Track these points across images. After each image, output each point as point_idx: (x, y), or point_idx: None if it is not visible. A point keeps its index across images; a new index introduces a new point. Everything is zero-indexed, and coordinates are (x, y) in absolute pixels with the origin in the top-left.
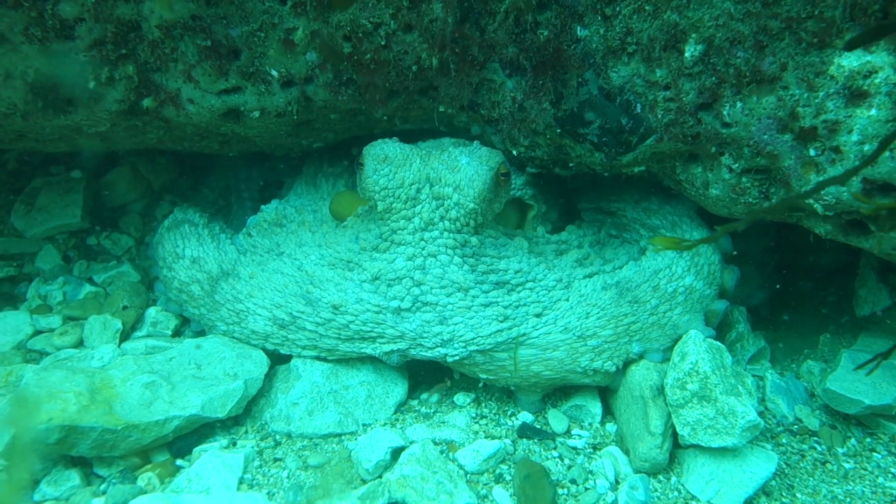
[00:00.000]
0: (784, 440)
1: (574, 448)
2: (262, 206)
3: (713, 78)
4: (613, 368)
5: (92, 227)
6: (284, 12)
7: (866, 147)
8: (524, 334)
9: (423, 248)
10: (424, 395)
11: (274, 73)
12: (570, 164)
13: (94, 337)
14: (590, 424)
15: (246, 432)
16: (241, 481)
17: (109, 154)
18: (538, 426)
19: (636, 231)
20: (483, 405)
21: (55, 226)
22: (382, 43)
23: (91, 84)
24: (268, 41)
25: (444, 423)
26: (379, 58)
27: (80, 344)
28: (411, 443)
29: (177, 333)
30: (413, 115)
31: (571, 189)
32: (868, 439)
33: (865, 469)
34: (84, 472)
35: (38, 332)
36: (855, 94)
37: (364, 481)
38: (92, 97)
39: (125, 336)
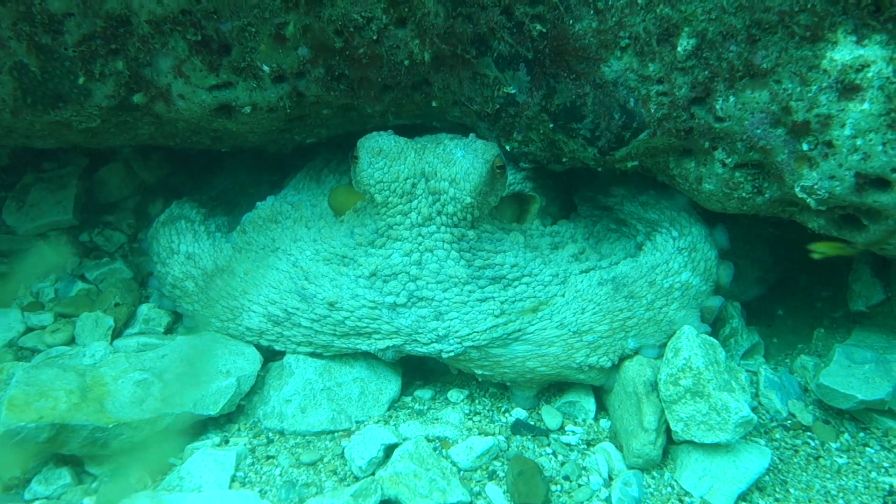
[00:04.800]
0: (777, 435)
1: (568, 444)
2: (258, 203)
3: (706, 72)
4: (609, 364)
5: (84, 224)
6: (275, 6)
7: (859, 141)
8: (520, 330)
9: (420, 244)
10: (418, 392)
11: (265, 68)
12: (564, 160)
13: (86, 334)
14: (583, 420)
15: (238, 430)
16: (233, 479)
17: (102, 151)
18: (532, 423)
19: (633, 226)
20: (477, 402)
21: (47, 222)
22: (374, 38)
23: (80, 79)
24: (259, 36)
25: (437, 419)
26: (371, 52)
27: (71, 341)
28: (404, 440)
29: (169, 330)
30: (406, 111)
31: (570, 184)
32: (861, 434)
33: (858, 464)
34: (75, 470)
35: (29, 330)
36: (847, 88)
37: (357, 479)
38: (81, 93)
39: (117, 333)
